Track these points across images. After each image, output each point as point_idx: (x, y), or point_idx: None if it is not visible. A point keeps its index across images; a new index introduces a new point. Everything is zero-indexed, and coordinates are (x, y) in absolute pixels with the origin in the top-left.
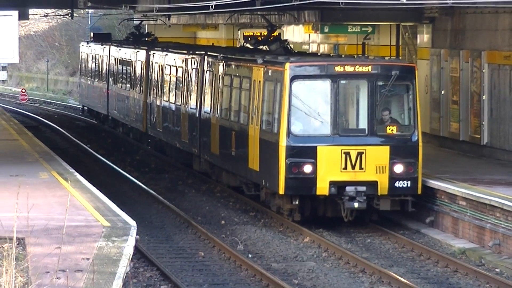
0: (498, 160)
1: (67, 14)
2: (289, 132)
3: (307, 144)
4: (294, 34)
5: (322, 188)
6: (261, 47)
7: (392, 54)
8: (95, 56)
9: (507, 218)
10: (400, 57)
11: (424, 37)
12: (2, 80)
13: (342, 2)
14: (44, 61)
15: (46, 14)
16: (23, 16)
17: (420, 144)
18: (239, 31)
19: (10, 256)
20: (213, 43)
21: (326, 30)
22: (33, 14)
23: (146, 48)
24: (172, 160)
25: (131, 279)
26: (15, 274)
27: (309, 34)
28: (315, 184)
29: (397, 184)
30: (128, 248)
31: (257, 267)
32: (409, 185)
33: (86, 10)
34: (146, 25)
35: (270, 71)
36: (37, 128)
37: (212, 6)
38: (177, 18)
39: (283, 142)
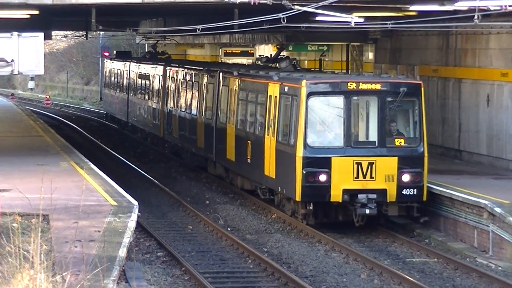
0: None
1: (83, 35)
2: (305, 144)
3: (322, 155)
4: (265, 51)
5: (336, 195)
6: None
7: (343, 68)
8: (117, 71)
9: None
10: (350, 71)
11: (368, 54)
12: (31, 88)
13: (303, 27)
14: (64, 73)
15: (66, 35)
16: (47, 36)
17: (426, 155)
18: (220, 49)
19: (37, 229)
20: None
21: (290, 48)
22: (55, 35)
23: (164, 64)
24: (187, 162)
25: (134, 247)
26: (40, 243)
27: (275, 51)
28: (329, 192)
29: (404, 192)
30: (132, 222)
31: (235, 238)
32: (415, 193)
33: (98, 32)
34: (146, 45)
35: (286, 87)
36: (58, 127)
37: (199, 29)
38: (170, 38)
39: (300, 153)
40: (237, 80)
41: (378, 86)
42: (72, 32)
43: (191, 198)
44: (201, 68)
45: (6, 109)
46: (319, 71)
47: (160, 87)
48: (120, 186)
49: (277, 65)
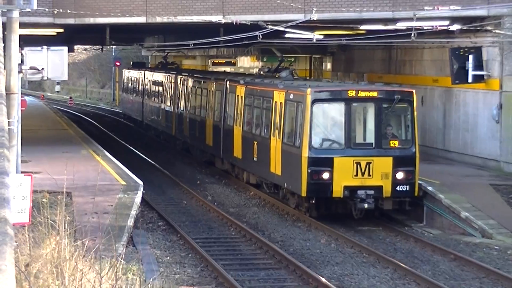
0: None
1: (99, 49)
2: (310, 146)
3: (325, 155)
4: (244, 62)
5: (337, 191)
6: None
7: (307, 75)
8: (134, 78)
9: None
10: (312, 77)
11: (327, 65)
12: (57, 91)
13: (274, 42)
14: (83, 78)
15: (85, 49)
16: (70, 50)
17: (417, 155)
18: (208, 60)
19: (62, 204)
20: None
21: (264, 59)
22: (77, 49)
23: (175, 73)
24: (197, 158)
25: (140, 218)
26: (64, 215)
27: (254, 62)
28: (331, 188)
29: (398, 188)
30: (138, 198)
31: (220, 210)
32: (408, 189)
33: (111, 46)
34: (150, 56)
35: (291, 94)
36: (79, 122)
37: (191, 44)
38: (169, 51)
39: (305, 153)
40: (244, 87)
41: (375, 94)
42: (90, 46)
43: (185, 179)
44: (209, 76)
45: (37, 107)
46: (316, 80)
47: (172, 92)
48: (129, 170)
49: (278, 74)
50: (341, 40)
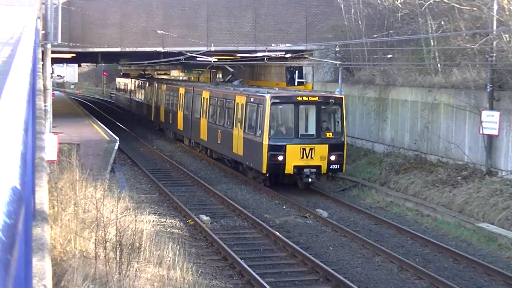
0: None
1: (95, 65)
2: (269, 136)
3: (280, 143)
4: (174, 73)
5: (289, 169)
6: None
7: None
8: (123, 82)
9: None
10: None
11: (219, 74)
12: (72, 88)
13: (190, 62)
14: (86, 81)
15: (87, 65)
16: (79, 65)
17: (345, 143)
18: (155, 71)
19: (74, 150)
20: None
21: (185, 72)
22: (84, 65)
23: (151, 80)
24: (170, 136)
25: (116, 158)
26: (76, 156)
27: (179, 73)
28: (284, 167)
29: (332, 166)
30: (116, 147)
31: (160, 153)
32: (338, 167)
33: (101, 63)
34: (122, 69)
35: (252, 98)
36: (84, 104)
37: (146, 63)
38: (144, 66)
39: (266, 142)
40: (209, 92)
41: (316, 98)
42: (90, 63)
43: (142, 138)
44: (179, 83)
45: (60, 98)
46: (258, 87)
47: (149, 92)
48: (112, 132)
49: (231, 83)
50: (226, 62)
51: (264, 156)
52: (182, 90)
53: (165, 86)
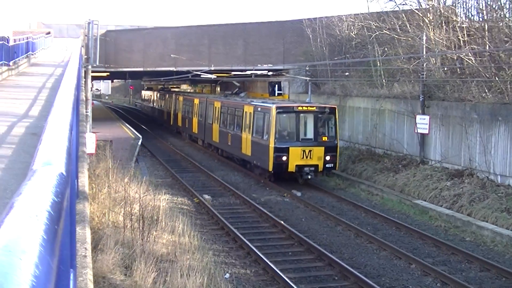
0: None
1: (124, 80)
2: (275, 140)
3: (284, 146)
4: (183, 87)
5: (291, 168)
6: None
7: (210, 92)
8: (148, 94)
9: None
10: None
11: (218, 88)
12: (106, 98)
13: (196, 78)
14: (117, 93)
15: (118, 80)
16: (112, 81)
17: (338, 145)
18: (169, 85)
19: (108, 145)
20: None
21: (192, 86)
22: (116, 81)
23: (170, 93)
24: (186, 138)
25: (140, 151)
26: (109, 150)
27: (187, 87)
28: (288, 166)
29: (327, 165)
30: (139, 143)
31: (173, 148)
32: (332, 166)
33: (128, 79)
34: (144, 84)
35: (259, 108)
36: (115, 111)
37: (162, 79)
38: (164, 82)
39: (272, 144)
40: (220, 102)
41: (314, 108)
42: (120, 79)
43: (161, 137)
44: (193, 94)
45: (98, 106)
46: (260, 98)
47: (170, 102)
48: (138, 132)
49: (238, 95)
50: (222, 78)
51: (270, 156)
52: (196, 101)
53: (182, 97)
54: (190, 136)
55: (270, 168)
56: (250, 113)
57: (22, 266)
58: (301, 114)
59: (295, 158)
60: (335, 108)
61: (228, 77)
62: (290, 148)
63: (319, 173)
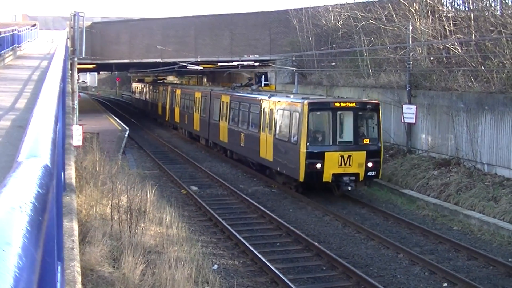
0: None
1: (110, 73)
2: (307, 144)
3: (318, 150)
4: (170, 78)
5: (327, 177)
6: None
7: (195, 84)
8: (138, 86)
9: None
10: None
11: (204, 79)
12: (93, 91)
13: (183, 70)
14: (104, 85)
15: (105, 72)
16: (98, 73)
17: (382, 149)
18: (156, 77)
19: (94, 138)
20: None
21: (178, 77)
22: (102, 73)
23: (165, 85)
24: (185, 136)
25: (127, 143)
26: (96, 142)
27: (174, 78)
28: (322, 175)
29: (369, 173)
30: (126, 135)
31: (162, 141)
32: (375, 174)
33: (115, 71)
34: (131, 76)
35: (283, 103)
36: (102, 103)
37: (148, 70)
38: (157, 73)
39: (303, 149)
40: (229, 96)
41: (353, 104)
42: (106, 71)
43: (149, 129)
44: (194, 87)
45: (84, 98)
46: (277, 91)
47: (164, 95)
48: (124, 124)
49: (249, 88)
50: (210, 69)
51: (301, 163)
52: (198, 94)
53: (179, 90)
54: (190, 134)
55: (301, 178)
56: (271, 109)
57: (5, 257)
58: (338, 112)
59: (331, 165)
60: (378, 104)
61: (215, 68)
62: (325, 153)
63: (360, 183)
